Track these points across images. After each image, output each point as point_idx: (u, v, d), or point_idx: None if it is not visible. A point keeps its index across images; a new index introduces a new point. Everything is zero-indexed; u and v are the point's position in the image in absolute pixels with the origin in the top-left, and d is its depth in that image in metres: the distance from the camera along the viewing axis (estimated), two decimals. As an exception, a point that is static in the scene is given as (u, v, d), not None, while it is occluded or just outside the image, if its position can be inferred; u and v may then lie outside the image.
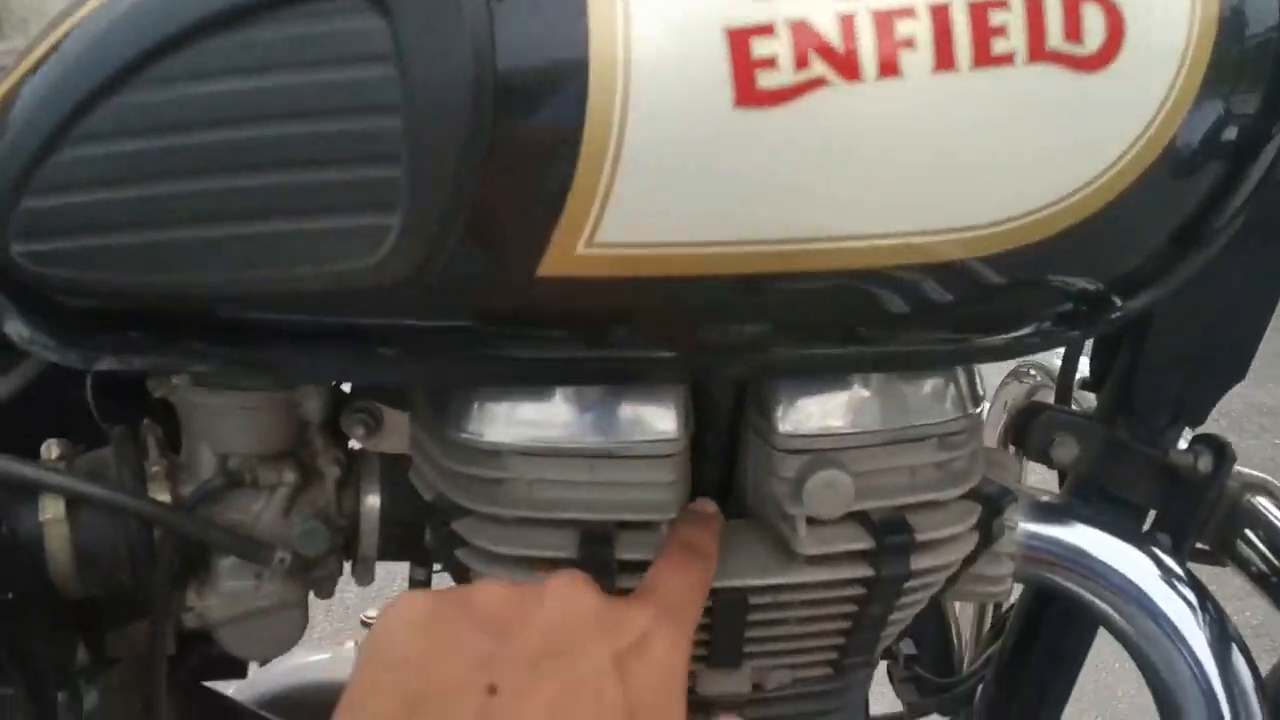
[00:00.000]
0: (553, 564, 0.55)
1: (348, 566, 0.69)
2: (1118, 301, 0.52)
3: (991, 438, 0.83)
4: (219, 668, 0.82)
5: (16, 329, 0.54)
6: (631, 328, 0.48)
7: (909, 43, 0.41)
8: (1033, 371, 0.90)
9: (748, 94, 0.41)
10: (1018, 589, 0.80)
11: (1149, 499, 0.69)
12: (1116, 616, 0.66)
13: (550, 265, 0.44)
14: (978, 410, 0.59)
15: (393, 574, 0.70)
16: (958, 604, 0.91)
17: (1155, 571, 0.66)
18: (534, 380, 0.53)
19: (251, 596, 0.64)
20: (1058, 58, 0.43)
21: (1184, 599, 0.65)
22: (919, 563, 0.57)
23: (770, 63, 0.41)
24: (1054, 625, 0.75)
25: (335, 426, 0.65)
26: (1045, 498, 0.69)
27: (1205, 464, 0.66)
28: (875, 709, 0.90)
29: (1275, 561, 0.67)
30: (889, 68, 0.42)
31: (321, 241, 0.44)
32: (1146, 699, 0.67)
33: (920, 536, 0.56)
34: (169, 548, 0.62)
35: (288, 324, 0.50)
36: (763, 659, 0.61)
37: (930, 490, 0.58)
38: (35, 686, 0.59)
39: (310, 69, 0.42)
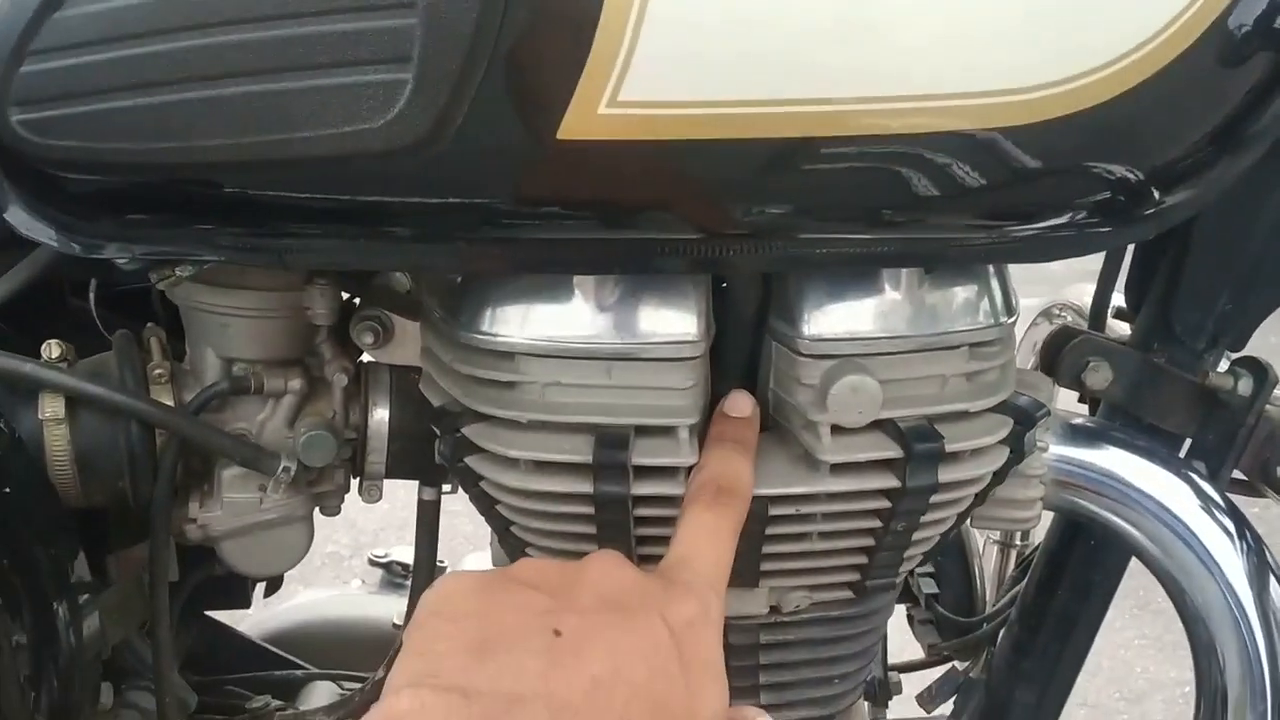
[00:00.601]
0: (565, 467, 0.53)
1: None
2: (1155, 194, 0.50)
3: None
4: (221, 597, 0.80)
5: (18, 216, 0.52)
6: (655, 201, 0.46)
7: None
8: (1063, 312, 0.87)
9: None
10: (1043, 532, 0.78)
11: (1185, 426, 0.66)
12: (1150, 544, 0.64)
13: (571, 127, 0.42)
14: (1011, 320, 0.57)
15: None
16: (980, 545, 0.89)
17: (1192, 498, 0.63)
18: (555, 266, 0.51)
19: (255, 509, 0.63)
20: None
21: (1222, 527, 0.63)
22: (947, 475, 0.54)
23: None
24: (1082, 558, 0.72)
25: (344, 335, 0.63)
26: (1079, 420, 0.66)
27: (1245, 387, 0.64)
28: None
29: (1318, 490, 0.65)
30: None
31: (330, 99, 0.42)
32: (1163, 674, 0.65)
33: (949, 446, 0.54)
34: (171, 453, 0.60)
35: (293, 201, 0.48)
36: (781, 578, 0.59)
37: (960, 400, 0.55)
38: (33, 591, 0.57)
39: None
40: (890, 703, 0.85)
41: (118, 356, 0.61)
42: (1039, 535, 0.79)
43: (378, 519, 2.46)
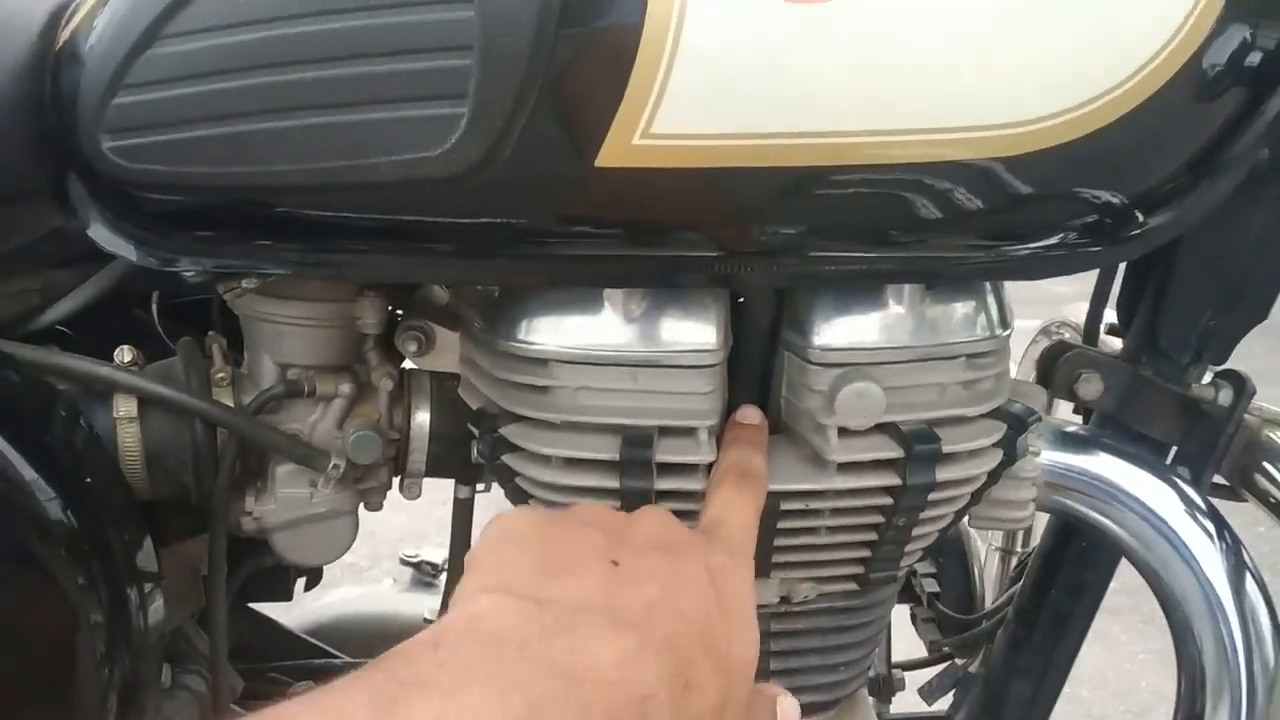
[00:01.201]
0: (595, 464, 0.58)
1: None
2: (1139, 217, 0.55)
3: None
4: (264, 590, 0.85)
5: (100, 232, 0.58)
6: (681, 223, 0.51)
7: None
8: (1061, 329, 0.92)
9: None
10: (1039, 535, 0.83)
11: (1171, 434, 0.71)
12: (1136, 544, 0.68)
13: (608, 156, 0.47)
14: (1006, 333, 0.62)
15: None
16: (983, 552, 0.94)
17: (1176, 501, 0.68)
18: (588, 280, 0.56)
19: (306, 503, 0.68)
20: (1088, -34, 0.45)
21: (1203, 528, 0.67)
22: (944, 473, 0.59)
23: None
24: (1075, 559, 0.77)
25: (390, 344, 0.68)
26: (1071, 428, 0.71)
27: (1225, 397, 0.69)
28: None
29: (1293, 494, 0.69)
30: (926, -31, 0.45)
31: (394, 130, 0.48)
32: (1168, 687, 0.69)
33: (947, 448, 0.59)
34: (231, 450, 0.65)
35: (355, 221, 0.53)
36: (791, 569, 0.64)
37: (958, 406, 0.60)
38: (109, 576, 0.62)
39: (387, -37, 0.45)
40: (894, 698, 0.90)
41: (183, 362, 0.66)
42: (1036, 539, 0.84)
43: (397, 530, 2.51)
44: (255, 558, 0.76)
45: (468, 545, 0.76)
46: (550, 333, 0.59)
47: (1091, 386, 0.72)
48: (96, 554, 0.62)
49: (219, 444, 0.66)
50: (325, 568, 0.86)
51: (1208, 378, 0.71)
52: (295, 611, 0.95)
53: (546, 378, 0.59)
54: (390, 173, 0.49)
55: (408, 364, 0.70)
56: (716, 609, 0.46)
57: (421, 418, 0.69)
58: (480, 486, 0.74)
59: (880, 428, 0.59)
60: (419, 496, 0.72)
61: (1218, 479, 0.72)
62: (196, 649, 0.77)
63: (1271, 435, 0.71)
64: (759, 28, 0.45)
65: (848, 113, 0.48)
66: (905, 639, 0.94)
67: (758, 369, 0.63)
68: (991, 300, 0.62)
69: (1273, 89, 0.53)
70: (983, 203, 0.53)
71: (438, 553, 1.08)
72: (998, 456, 0.62)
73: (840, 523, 0.61)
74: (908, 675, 0.91)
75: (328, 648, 0.91)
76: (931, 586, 0.88)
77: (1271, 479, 0.69)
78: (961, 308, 0.61)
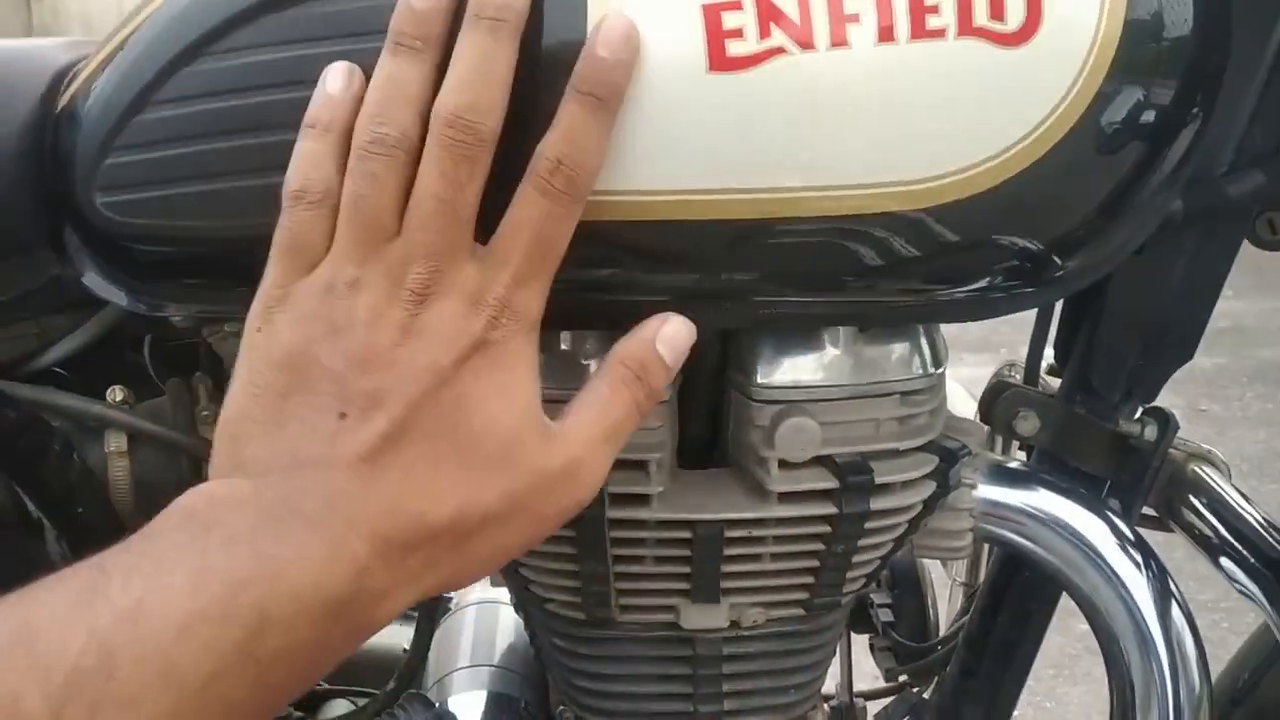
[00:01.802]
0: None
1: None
2: (1058, 260, 0.59)
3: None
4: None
5: (94, 280, 0.62)
6: (620, 273, 0.56)
7: (855, 18, 0.49)
8: (1014, 372, 0.96)
9: (719, 60, 0.49)
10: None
11: (1103, 468, 0.75)
12: (1070, 573, 0.72)
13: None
14: (939, 371, 0.66)
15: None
16: (933, 579, 0.97)
17: (1107, 532, 0.72)
18: (549, 324, 0.60)
19: (286, 533, 0.72)
20: (983, 33, 0.50)
21: (1131, 558, 0.71)
22: (879, 503, 0.64)
23: (738, 33, 0.49)
24: (1020, 588, 0.80)
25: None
26: (1012, 463, 0.75)
27: (1151, 433, 0.73)
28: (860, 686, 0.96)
29: (1216, 525, 0.73)
30: (838, 39, 0.49)
31: (356, 188, 0.52)
32: None
33: (880, 479, 0.63)
34: (215, 483, 0.69)
35: (326, 269, 0.57)
36: (739, 595, 0.68)
37: (892, 440, 0.65)
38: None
39: (354, 39, 0.50)
40: (856, 726, 0.93)
41: (171, 400, 0.71)
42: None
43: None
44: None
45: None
46: (511, 372, 0.63)
47: (1028, 424, 0.76)
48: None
49: (203, 476, 0.70)
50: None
51: (1139, 415, 0.75)
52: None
53: (508, 415, 0.63)
54: None
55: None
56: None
57: (395, 452, 0.73)
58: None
59: (818, 460, 0.63)
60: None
61: (1148, 510, 0.76)
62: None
63: (1196, 469, 0.75)
64: (684, 96, 0.50)
65: (778, 171, 0.52)
66: (868, 668, 0.98)
67: (706, 405, 0.67)
68: (924, 341, 0.66)
69: (1169, 141, 0.58)
70: (911, 250, 0.57)
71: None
72: (930, 487, 0.66)
73: (783, 549, 0.66)
74: (869, 705, 0.94)
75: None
76: (887, 616, 0.91)
77: (1195, 511, 0.73)
78: (896, 348, 0.65)
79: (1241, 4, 0.63)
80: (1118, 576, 0.71)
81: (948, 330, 0.69)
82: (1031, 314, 0.78)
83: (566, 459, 0.51)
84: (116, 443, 0.68)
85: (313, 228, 0.49)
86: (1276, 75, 0.68)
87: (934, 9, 0.49)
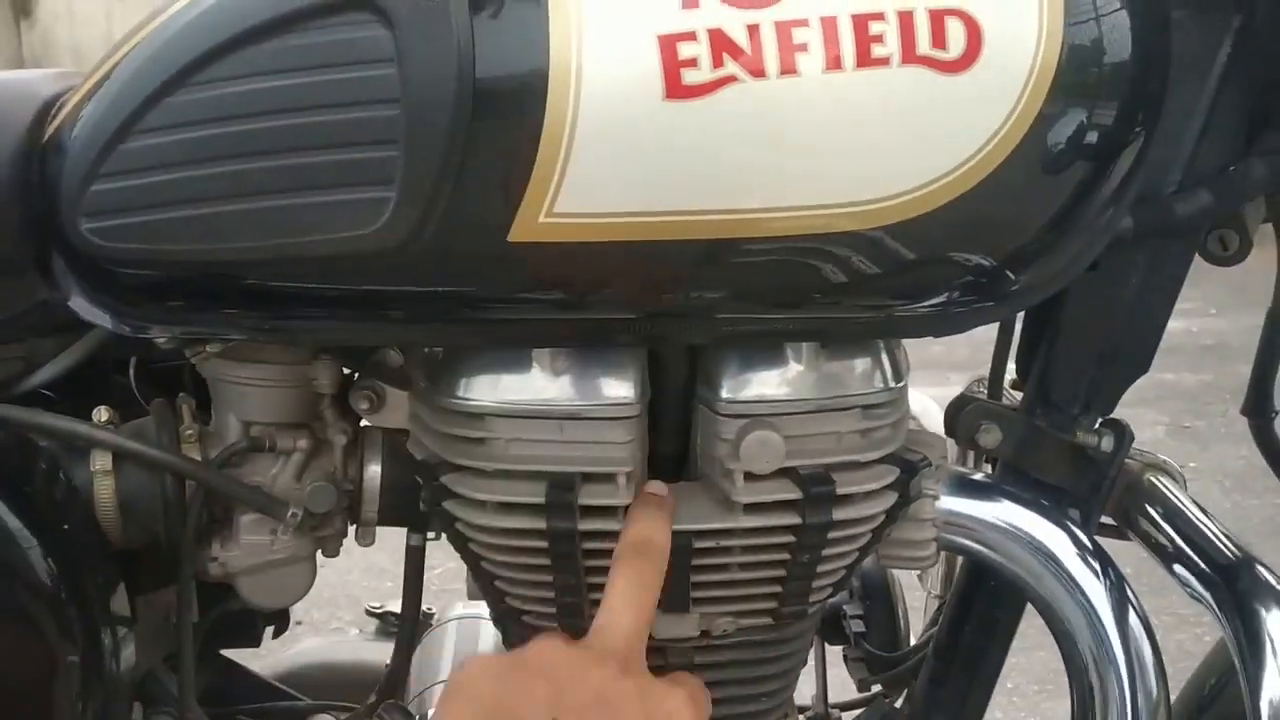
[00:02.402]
0: (524, 508, 0.65)
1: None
2: (1012, 276, 0.61)
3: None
4: (234, 636, 0.91)
5: (80, 304, 0.64)
6: (590, 290, 0.58)
7: (804, 47, 0.52)
8: (981, 387, 0.99)
9: (675, 88, 0.52)
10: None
11: (1062, 479, 0.77)
12: (1031, 581, 0.74)
13: (519, 232, 0.54)
14: (900, 385, 0.68)
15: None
16: (906, 593, 0.99)
17: (1066, 541, 0.74)
18: (511, 341, 0.63)
19: (267, 549, 0.74)
20: (926, 61, 0.53)
21: (1090, 566, 0.73)
22: (840, 513, 0.65)
23: (693, 63, 0.51)
24: (986, 598, 0.82)
25: (344, 402, 0.75)
26: (975, 475, 0.78)
27: (1108, 444, 0.75)
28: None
29: (1170, 533, 0.75)
30: (788, 67, 0.52)
31: (335, 212, 0.55)
32: None
33: (841, 490, 0.65)
34: (199, 501, 0.72)
35: (303, 291, 0.60)
36: (709, 605, 0.69)
37: (853, 452, 0.67)
38: (85, 619, 0.68)
39: (326, 70, 0.53)
40: (831, 735, 0.95)
41: (155, 420, 0.72)
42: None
43: (379, 598, 2.56)
44: (222, 602, 0.82)
45: (420, 589, 0.82)
46: (486, 390, 0.65)
47: (990, 436, 0.78)
48: (73, 599, 0.68)
49: (188, 495, 0.72)
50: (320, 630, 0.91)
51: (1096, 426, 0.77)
52: (266, 659, 1.00)
53: (482, 430, 0.65)
54: (333, 248, 0.56)
55: (362, 421, 0.77)
56: None
57: (373, 470, 0.76)
58: (431, 535, 0.80)
59: (782, 472, 0.65)
60: (373, 543, 0.78)
61: (1106, 519, 0.78)
62: (167, 691, 0.83)
63: (1151, 479, 0.77)
64: (643, 123, 0.52)
65: (735, 193, 0.55)
66: (841, 679, 1.00)
67: (676, 420, 0.69)
68: (885, 356, 0.68)
69: (1112, 159, 0.60)
70: (868, 268, 0.59)
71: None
72: (892, 498, 0.68)
73: (750, 559, 0.68)
74: (844, 715, 0.96)
75: (294, 692, 0.96)
76: (859, 627, 0.93)
77: (1150, 520, 0.76)
78: (858, 363, 0.68)
79: (1182, 29, 0.66)
80: (1077, 584, 0.73)
81: (935, 351, 0.72)
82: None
83: None
84: (102, 462, 0.70)
85: None
86: (1221, 98, 0.71)
87: (879, 38, 0.52)
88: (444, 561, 0.79)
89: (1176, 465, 0.79)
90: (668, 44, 0.51)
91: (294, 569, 0.75)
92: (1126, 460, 0.77)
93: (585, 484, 0.65)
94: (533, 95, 0.52)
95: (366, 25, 0.53)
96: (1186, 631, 2.09)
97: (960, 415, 0.79)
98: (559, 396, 0.65)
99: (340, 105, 0.53)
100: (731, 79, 0.52)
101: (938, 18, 0.52)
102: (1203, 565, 0.73)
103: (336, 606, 2.41)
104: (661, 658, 0.71)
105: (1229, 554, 0.72)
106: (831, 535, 0.66)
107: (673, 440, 0.70)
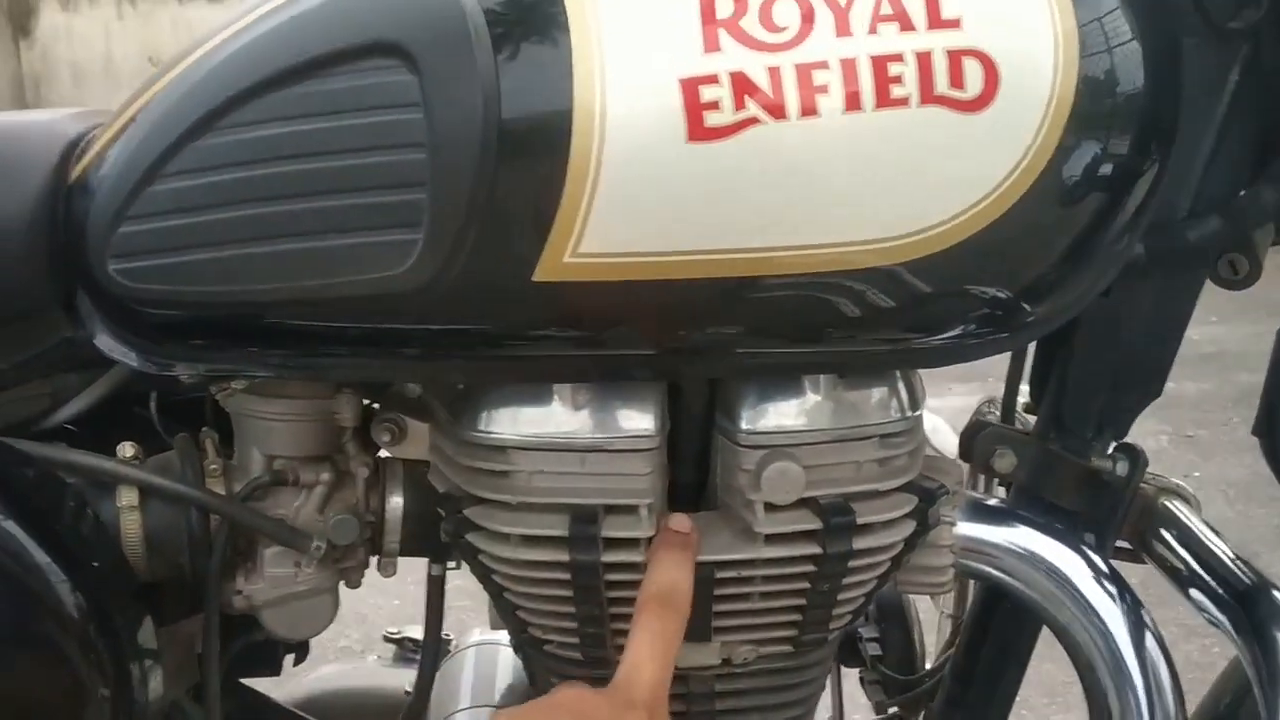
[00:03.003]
0: (547, 540, 0.65)
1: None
2: (1028, 308, 0.62)
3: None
4: (255, 664, 0.92)
5: (105, 341, 0.65)
6: (613, 327, 0.59)
7: (824, 89, 0.53)
8: (993, 409, 0.99)
9: (698, 131, 0.53)
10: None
11: (1077, 503, 0.78)
12: (1048, 606, 0.75)
13: (543, 272, 0.55)
14: (916, 414, 0.69)
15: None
16: (920, 613, 1.00)
17: (1082, 565, 0.75)
18: (534, 377, 0.63)
19: (291, 581, 0.74)
20: (944, 101, 0.54)
21: (1106, 590, 0.74)
22: (860, 542, 0.66)
23: (715, 105, 0.52)
24: (1002, 624, 0.83)
25: (366, 435, 0.75)
26: (991, 500, 0.78)
27: (1122, 468, 0.76)
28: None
29: (1186, 557, 0.76)
30: (809, 109, 0.53)
31: (363, 253, 0.56)
32: None
33: (861, 519, 0.66)
34: (223, 534, 0.72)
35: (329, 330, 0.61)
36: (730, 633, 0.70)
37: (872, 481, 0.67)
38: (114, 652, 0.69)
39: (354, 114, 0.54)
40: (848, 758, 0.95)
41: (180, 455, 0.73)
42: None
43: (386, 617, 2.57)
44: (246, 634, 0.83)
45: (441, 618, 0.82)
46: (508, 423, 0.66)
47: (1005, 461, 0.79)
48: (102, 632, 0.68)
49: (212, 529, 0.73)
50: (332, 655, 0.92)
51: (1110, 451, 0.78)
52: (286, 687, 1.01)
53: (505, 463, 0.66)
54: (360, 289, 0.57)
55: (383, 453, 0.78)
56: None
57: (395, 502, 0.76)
58: (451, 565, 0.81)
59: (803, 502, 0.66)
60: (395, 574, 0.78)
61: (1121, 543, 0.79)
62: (192, 721, 0.83)
63: (1166, 503, 0.78)
64: (666, 165, 0.53)
65: (757, 232, 0.56)
66: (857, 704, 1.00)
67: (695, 450, 0.70)
68: (902, 386, 0.69)
69: (1127, 190, 0.61)
70: (886, 302, 0.60)
71: (419, 631, 1.14)
72: (911, 526, 0.69)
73: (771, 589, 0.68)
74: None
75: (313, 719, 0.97)
76: (875, 650, 0.94)
77: (1165, 544, 0.76)
78: (875, 393, 0.68)
79: (1192, 60, 0.67)
80: (1093, 608, 0.74)
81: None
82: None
83: None
84: (128, 498, 0.71)
85: None
86: (1229, 125, 0.72)
87: (898, 79, 0.53)
88: (450, 579, 0.80)
89: (1185, 484, 0.80)
90: (690, 87, 0.52)
91: (317, 601, 0.75)
92: (1141, 484, 0.77)
93: (608, 516, 0.66)
94: (557, 138, 0.53)
95: (392, 70, 0.53)
96: (1195, 643, 2.10)
97: (975, 440, 0.80)
98: (580, 429, 0.66)
99: (367, 149, 0.54)
100: (753, 121, 0.52)
101: (955, 58, 0.53)
102: (1219, 590, 0.73)
103: (344, 625, 2.41)
104: (683, 685, 0.72)
105: (1245, 578, 0.73)
106: (852, 564, 0.67)
107: (692, 471, 0.71)
